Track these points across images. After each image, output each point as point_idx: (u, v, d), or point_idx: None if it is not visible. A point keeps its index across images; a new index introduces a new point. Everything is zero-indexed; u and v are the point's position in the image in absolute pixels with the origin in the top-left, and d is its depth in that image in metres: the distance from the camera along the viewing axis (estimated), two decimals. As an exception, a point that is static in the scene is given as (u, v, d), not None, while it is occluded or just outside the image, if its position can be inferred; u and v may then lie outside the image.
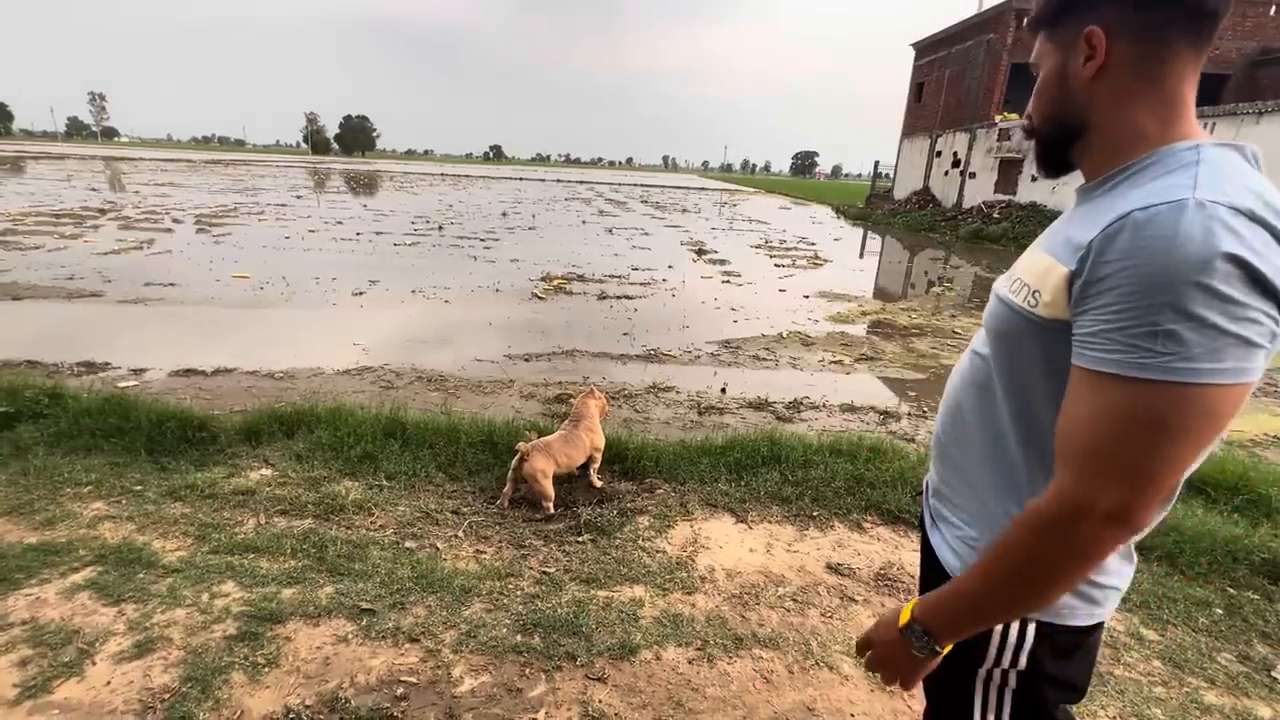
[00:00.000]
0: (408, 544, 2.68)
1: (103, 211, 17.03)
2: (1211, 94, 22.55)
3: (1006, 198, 22.39)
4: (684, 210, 28.48)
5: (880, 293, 11.39)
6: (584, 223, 20.63)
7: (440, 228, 17.11)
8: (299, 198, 25.38)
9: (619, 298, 9.39)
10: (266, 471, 3.24)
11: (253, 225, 15.92)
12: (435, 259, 12.24)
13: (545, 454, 3.00)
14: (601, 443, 3.28)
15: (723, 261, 13.33)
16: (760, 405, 5.34)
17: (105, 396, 3.73)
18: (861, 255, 17.09)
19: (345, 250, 12.75)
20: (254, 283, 9.27)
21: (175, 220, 15.97)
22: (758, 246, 16.36)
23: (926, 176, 29.20)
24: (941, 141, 27.91)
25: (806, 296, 10.14)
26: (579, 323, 7.92)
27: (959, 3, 30.45)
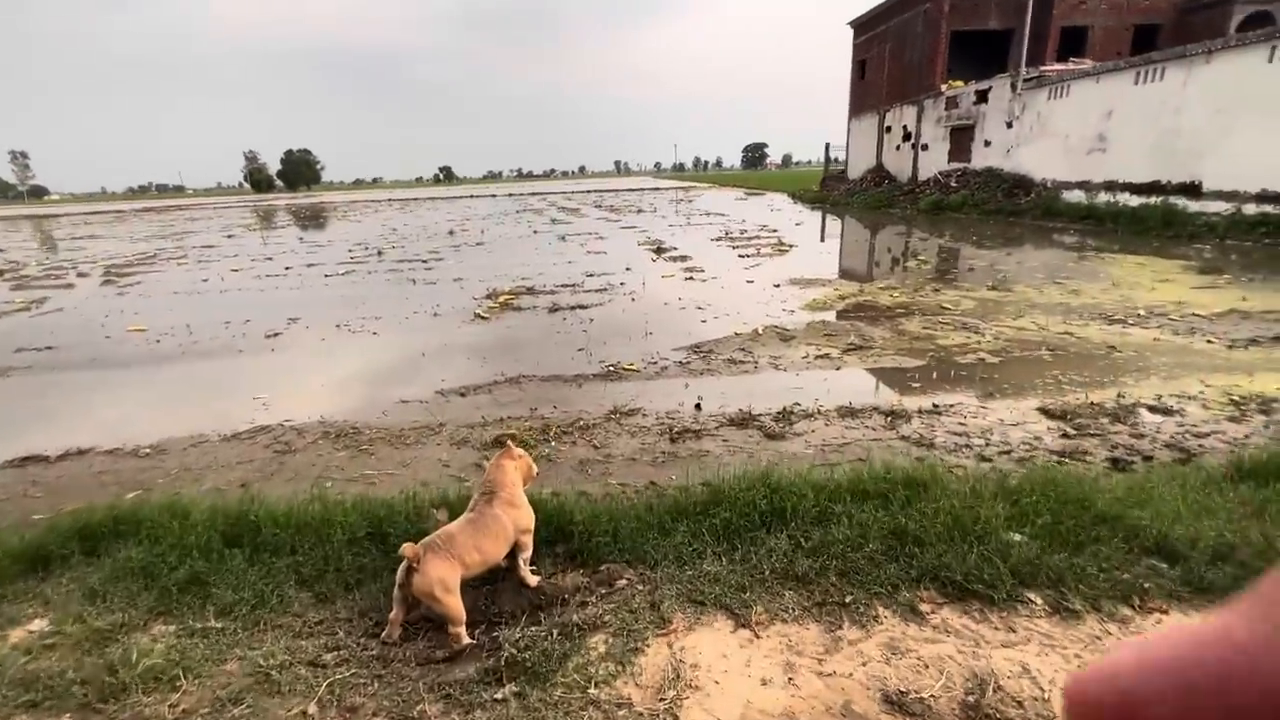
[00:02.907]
0: (222, 744, 1.67)
1: (1, 273, 15.39)
2: (1148, 42, 22.58)
3: (961, 166, 22.03)
4: (639, 211, 27.61)
5: (852, 274, 10.63)
6: (535, 233, 19.58)
7: (379, 253, 15.90)
8: (230, 237, 23.77)
9: (573, 308, 8.41)
10: (38, 624, 2.18)
11: (169, 271, 14.50)
12: (369, 287, 11.09)
13: (445, 556, 2.02)
14: (530, 520, 2.31)
15: (684, 258, 12.44)
16: (744, 421, 4.41)
17: None
18: (824, 239, 16.41)
19: (269, 288, 11.51)
20: (151, 335, 8.05)
21: (80, 275, 14.46)
22: (718, 239, 15.54)
23: (879, 153, 28.87)
24: (890, 117, 27.59)
25: (777, 285, 9.29)
26: (527, 342, 6.92)
27: (891, -23, 30.25)
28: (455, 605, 2.00)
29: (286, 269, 13.82)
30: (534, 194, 55.03)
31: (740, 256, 12.40)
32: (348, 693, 1.84)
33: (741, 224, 19.13)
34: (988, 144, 20.52)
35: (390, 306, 9.13)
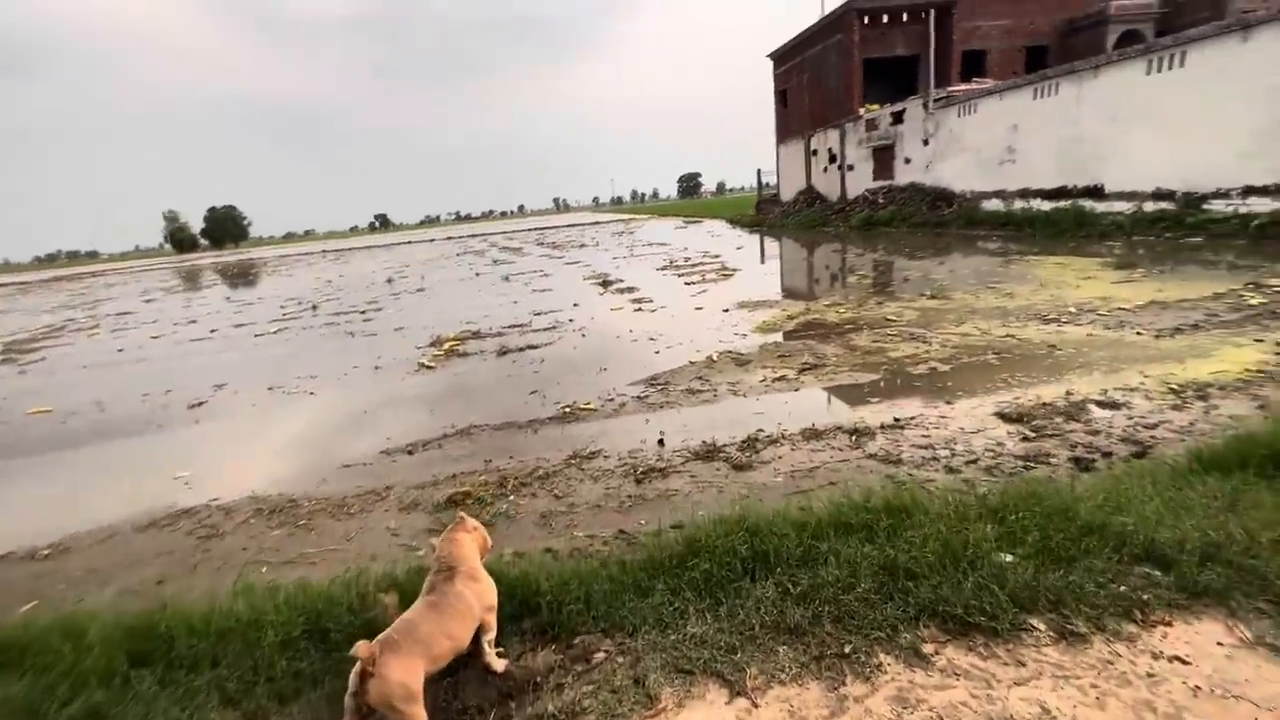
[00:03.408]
0: None
1: (-122, 360, 13.90)
2: (1039, 62, 24.50)
3: (886, 183, 23.10)
4: (582, 245, 27.67)
5: (797, 293, 10.81)
6: (477, 275, 19.26)
7: (314, 307, 15.22)
8: (149, 301, 22.41)
9: (522, 349, 8.16)
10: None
11: (79, 343, 13.44)
12: (303, 344, 10.53)
13: (406, 653, 1.74)
14: (493, 596, 2.06)
15: (631, 289, 12.40)
16: (709, 453, 4.27)
17: None
18: (765, 260, 16.75)
19: (193, 353, 10.78)
20: (57, 417, 7.32)
21: (-25, 355, 13.21)
22: (663, 268, 15.63)
23: (808, 176, 30.03)
24: (815, 141, 28.81)
25: (726, 310, 9.32)
26: (477, 389, 6.62)
27: (804, 9, 31.96)
28: (419, 715, 1.72)
29: (212, 331, 13.03)
30: (474, 235, 54.58)
31: (686, 284, 12.45)
32: (284, 840, 1.54)
33: (684, 252, 19.36)
34: (908, 161, 21.60)
35: (328, 363, 8.65)
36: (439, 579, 2.00)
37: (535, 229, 55.73)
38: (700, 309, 9.71)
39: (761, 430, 4.55)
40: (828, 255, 16.42)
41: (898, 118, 21.92)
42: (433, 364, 7.86)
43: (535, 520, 3.61)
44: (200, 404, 7.18)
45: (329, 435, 5.66)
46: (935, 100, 20.00)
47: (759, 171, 37.45)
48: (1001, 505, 2.40)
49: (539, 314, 10.63)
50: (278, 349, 10.29)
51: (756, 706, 1.73)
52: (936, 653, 1.85)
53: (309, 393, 7.19)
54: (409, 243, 56.07)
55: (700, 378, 6.07)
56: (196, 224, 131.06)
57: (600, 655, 2.01)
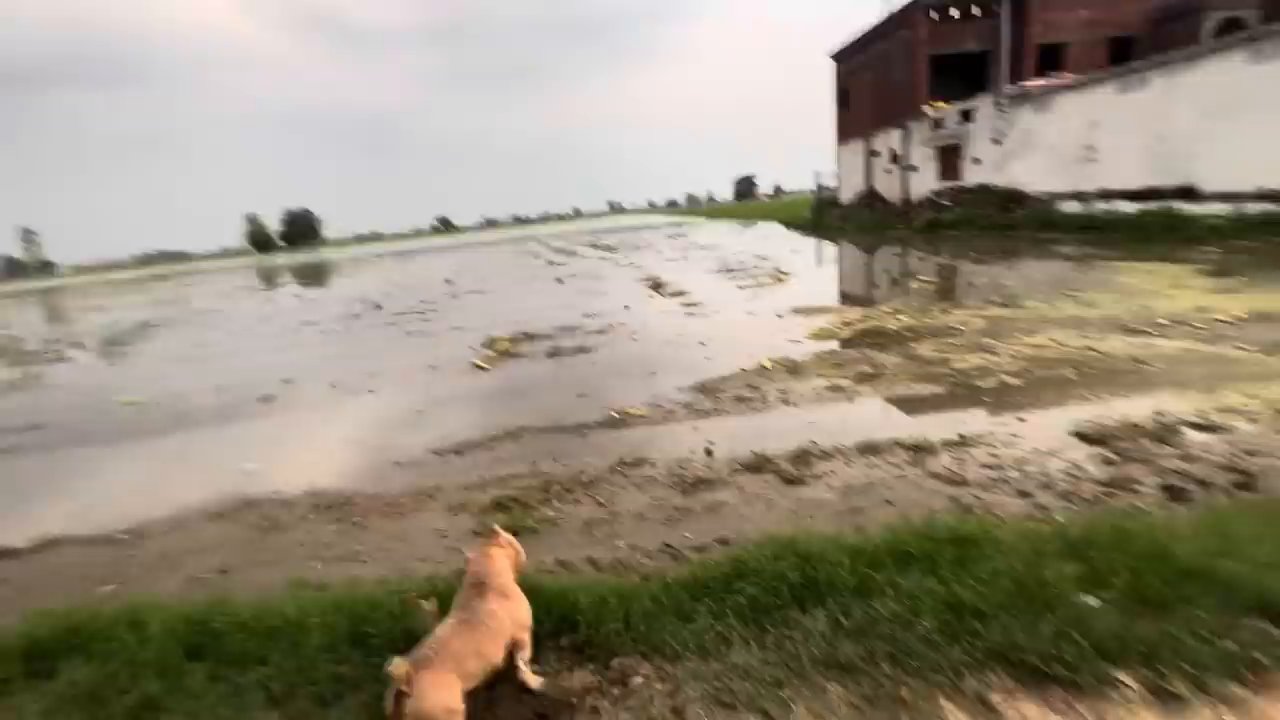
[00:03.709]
0: None
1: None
2: (1124, 54, 22.90)
3: (953, 184, 22.10)
4: (636, 248, 27.73)
5: (855, 298, 10.45)
6: (533, 277, 19.57)
7: (377, 306, 15.82)
8: (230, 299, 23.87)
9: (573, 352, 8.19)
10: (-36, 773, 1.88)
11: (167, 338, 14.42)
12: (365, 342, 10.93)
13: (441, 672, 1.71)
14: (527, 614, 2.01)
15: (682, 292, 12.29)
16: (759, 466, 4.12)
17: None
18: (821, 264, 16.30)
19: (264, 349, 11.37)
20: (142, 407, 7.84)
21: (77, 347, 14.37)
22: (716, 271, 15.44)
23: (869, 177, 29.10)
24: (877, 141, 27.90)
25: (779, 315, 9.08)
26: (527, 391, 6.68)
27: (869, 6, 31.06)
28: None
29: (284, 328, 13.72)
30: (530, 238, 55.68)
31: (739, 288, 12.24)
32: None
33: (738, 255, 19.09)
34: (977, 161, 20.59)
35: (386, 361, 8.94)
36: (471, 595, 1.97)
37: (589, 231, 56.36)
38: (753, 314, 9.51)
39: (814, 442, 4.37)
40: (888, 259, 15.83)
41: (966, 116, 20.93)
42: (485, 365, 7.99)
43: (578, 528, 3.57)
44: (269, 399, 7.54)
45: (384, 433, 5.81)
46: (1008, 97, 19.00)
47: (816, 174, 36.58)
48: (1084, 539, 2.17)
49: (590, 316, 10.67)
50: (342, 347, 10.72)
51: (802, 750, 1.61)
52: (1007, 704, 1.68)
53: (368, 390, 7.43)
54: (468, 245, 57.74)
55: (751, 385, 5.91)
56: (275, 225, 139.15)
57: (638, 680, 1.93)
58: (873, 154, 28.53)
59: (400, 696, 1.65)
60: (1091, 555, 2.07)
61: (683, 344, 7.96)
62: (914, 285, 10.93)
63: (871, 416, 4.90)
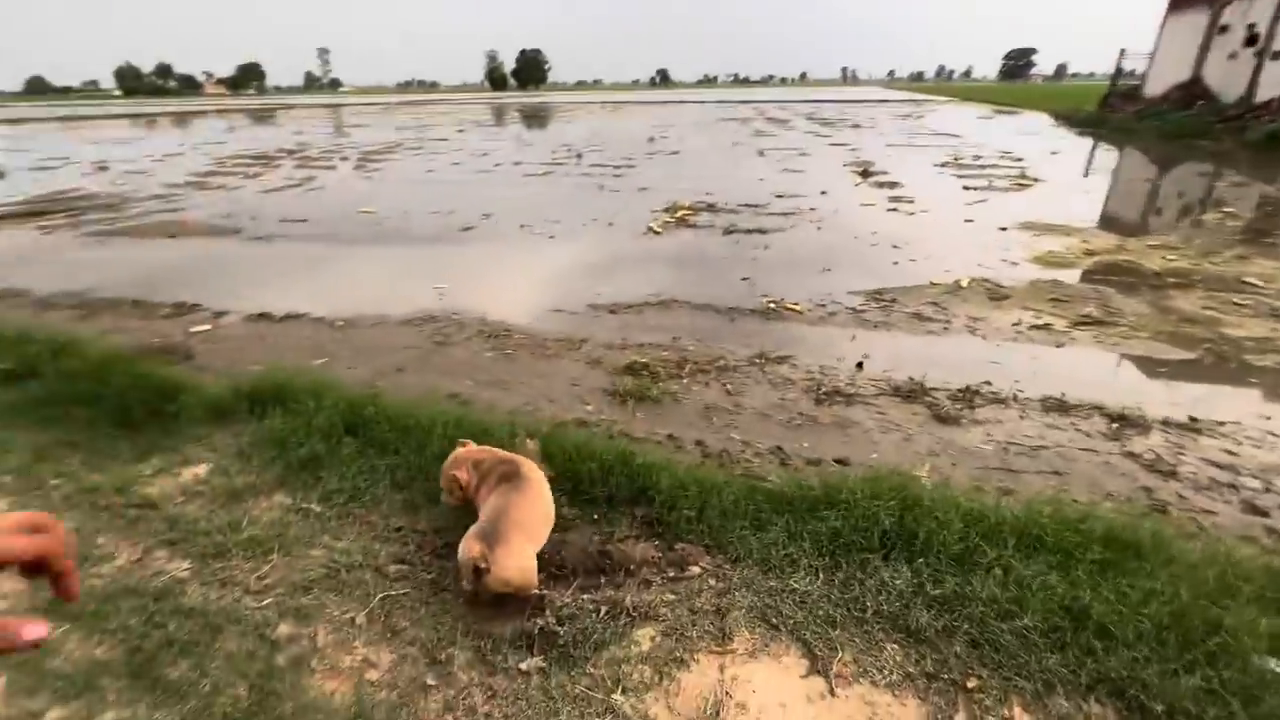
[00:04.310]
0: (281, 629, 1.78)
1: (290, 153, 18.66)
2: None
3: (1335, 84, 15.85)
4: (855, 125, 24.69)
5: (1117, 223, 8.38)
6: (734, 145, 18.53)
7: (579, 156, 16.28)
8: (460, 132, 26.14)
9: (749, 231, 7.79)
10: (199, 470, 2.54)
11: (405, 160, 16.37)
12: (560, 190, 11.42)
13: (514, 540, 1.81)
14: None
15: (893, 184, 10.84)
16: (911, 393, 3.70)
17: (103, 357, 3.30)
18: (1087, 174, 13.12)
19: (476, 182, 12.44)
20: (375, 218, 9.15)
21: (343, 159, 16.96)
22: (942, 165, 13.26)
23: (1198, 64, 21.94)
24: (1231, 12, 20.54)
25: (1004, 229, 7.66)
26: (692, 264, 6.57)
27: None
28: (535, 589, 1.84)
29: (496, 165, 14.80)
30: (745, 102, 52.16)
31: (965, 189, 10.45)
32: (395, 611, 1.85)
33: (978, 149, 16.12)
34: (1392, 52, 14.39)
35: (573, 211, 9.29)
36: (504, 469, 2.03)
37: (811, 101, 51.10)
38: (970, 221, 8.13)
39: (988, 383, 3.77)
40: (1188, 179, 12.28)
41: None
42: (660, 230, 7.95)
43: (698, 410, 3.56)
44: (469, 229, 8.33)
45: (552, 279, 6.17)
46: None
47: (1121, 53, 28.50)
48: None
49: (780, 196, 9.94)
50: (539, 190, 11.34)
51: (833, 694, 1.52)
52: (1100, 738, 1.40)
53: (549, 237, 7.85)
54: (681, 102, 55.89)
55: (936, 303, 5.18)
56: (510, 65, 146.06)
57: (695, 570, 1.94)
58: (1219, 30, 21.26)
59: (479, 572, 1.77)
60: (1309, 615, 1.55)
61: (872, 243, 7.15)
62: (1210, 218, 8.41)
63: (1076, 369, 4.06)
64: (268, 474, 2.47)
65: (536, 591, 1.85)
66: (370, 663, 1.69)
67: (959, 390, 3.70)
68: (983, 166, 12.86)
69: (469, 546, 1.78)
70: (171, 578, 1.96)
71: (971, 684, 1.52)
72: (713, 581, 1.89)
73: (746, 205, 9.31)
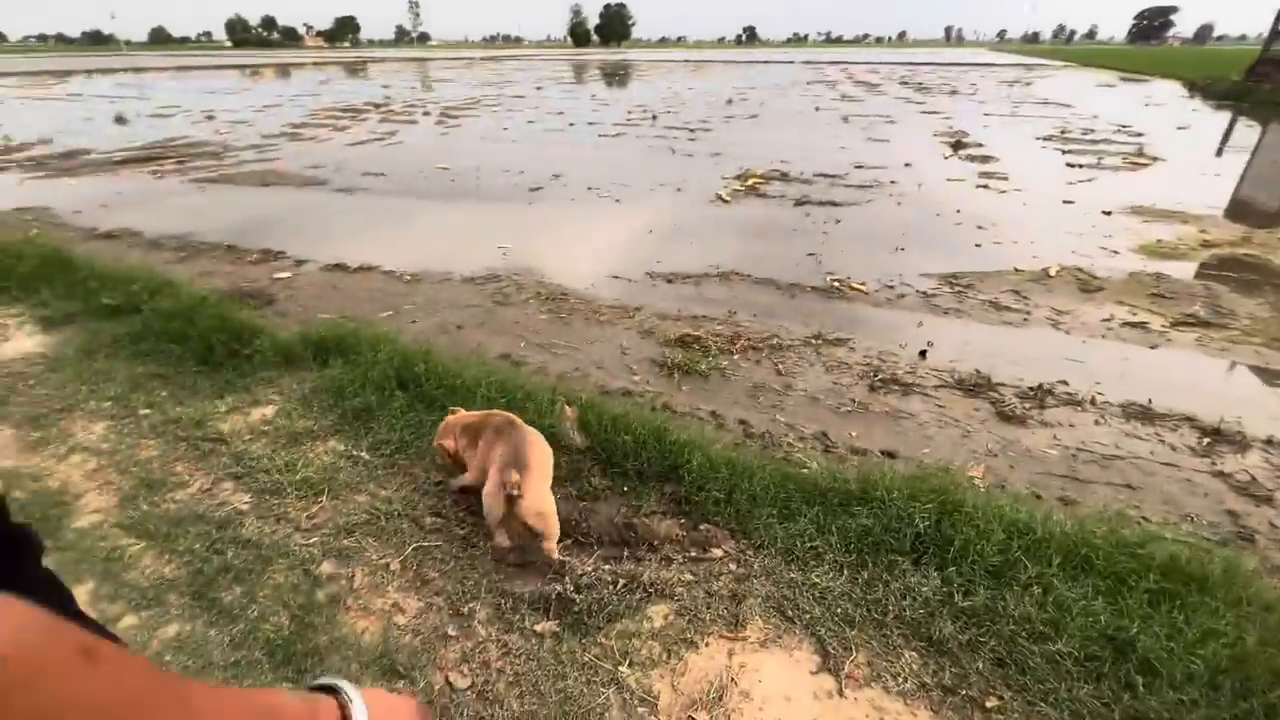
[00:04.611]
0: (324, 566, 1.91)
1: (377, 107, 19.28)
2: None
3: None
4: (954, 92, 22.94)
5: (1247, 210, 7.47)
6: (816, 110, 17.65)
7: (654, 117, 15.97)
8: (538, 89, 26.16)
9: (822, 204, 7.47)
10: (267, 411, 2.74)
11: (483, 117, 16.58)
12: (631, 152, 11.28)
13: (538, 477, 1.90)
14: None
15: (986, 158, 10.06)
16: (976, 387, 3.49)
17: (193, 299, 3.58)
18: (1220, 153, 11.68)
19: (548, 142, 12.47)
20: (450, 175, 9.37)
21: (425, 114, 17.36)
22: (1047, 138, 12.17)
23: (1380, 26, 18.86)
24: None
25: (1108, 213, 6.99)
26: (757, 235, 6.38)
27: None
28: (556, 522, 1.91)
29: (570, 124, 14.76)
30: (835, 63, 49.41)
31: (1070, 166, 9.56)
32: (426, 562, 1.95)
33: (1091, 120, 14.67)
34: None
35: (642, 175, 9.18)
36: (500, 424, 2.06)
37: (907, 64, 47.80)
38: (1070, 203, 7.47)
39: (1064, 383, 3.51)
40: (1342, 163, 10.73)
41: None
42: (729, 198, 7.74)
43: (746, 389, 3.50)
44: (537, 189, 8.40)
45: (613, 245, 6.15)
46: None
47: (1279, 15, 24.86)
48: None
49: (860, 167, 9.44)
50: (610, 152, 11.24)
51: (841, 694, 1.49)
52: (1125, 780, 1.31)
53: (616, 200, 7.80)
54: (766, 62, 53.59)
55: (1017, 292, 4.83)
56: (594, 20, 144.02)
57: (717, 552, 1.93)
58: None
59: (511, 500, 1.85)
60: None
61: (955, 221, 6.70)
62: (1364, 210, 7.36)
63: (1169, 374, 3.70)
64: (325, 420, 2.64)
65: (556, 553, 1.90)
66: (399, 607, 1.80)
67: (1030, 388, 3.46)
68: (1093, 141, 11.71)
69: (501, 475, 1.86)
70: (233, 509, 2.15)
71: (991, 703, 1.45)
72: (733, 566, 1.88)
73: (822, 175, 8.91)
